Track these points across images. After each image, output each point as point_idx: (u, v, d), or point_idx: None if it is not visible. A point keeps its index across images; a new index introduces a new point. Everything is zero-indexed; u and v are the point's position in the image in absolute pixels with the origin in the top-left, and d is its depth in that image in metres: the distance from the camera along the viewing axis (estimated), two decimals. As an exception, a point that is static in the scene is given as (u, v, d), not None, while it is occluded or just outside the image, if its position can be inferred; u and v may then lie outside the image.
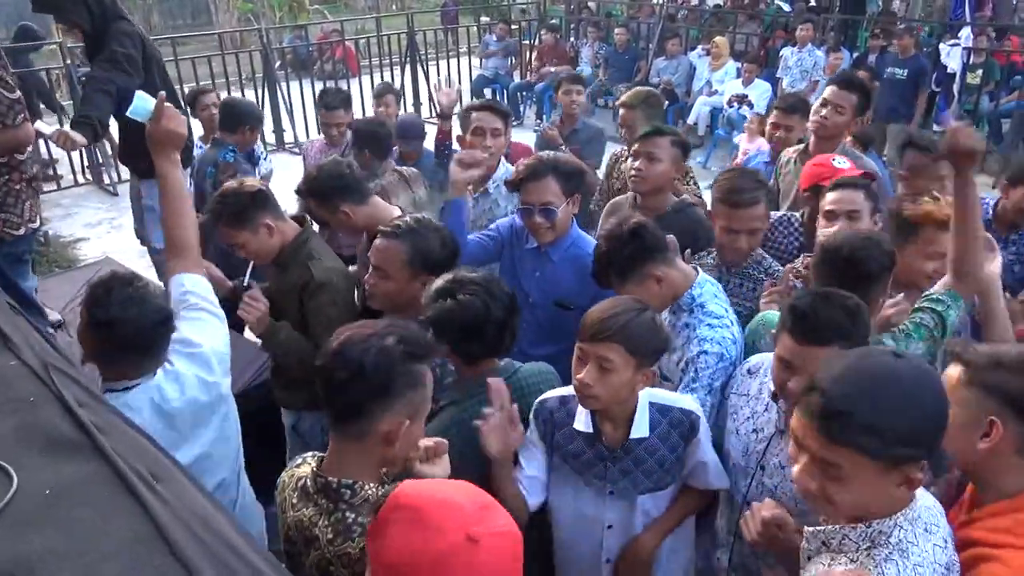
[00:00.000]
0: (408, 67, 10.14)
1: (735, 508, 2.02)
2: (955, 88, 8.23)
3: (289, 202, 3.29)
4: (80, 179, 8.07)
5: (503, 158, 3.42)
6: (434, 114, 9.83)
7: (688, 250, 2.60)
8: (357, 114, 5.47)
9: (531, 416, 2.03)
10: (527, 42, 11.62)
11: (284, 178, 4.90)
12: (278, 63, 10.16)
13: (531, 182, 2.64)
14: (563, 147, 4.16)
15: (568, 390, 1.99)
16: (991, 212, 2.82)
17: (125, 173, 6.12)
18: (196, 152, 4.21)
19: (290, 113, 9.08)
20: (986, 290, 2.15)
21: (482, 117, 3.31)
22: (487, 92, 10.75)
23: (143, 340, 1.85)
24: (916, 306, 2.13)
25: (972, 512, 1.53)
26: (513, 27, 11.83)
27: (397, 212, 2.80)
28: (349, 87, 9.39)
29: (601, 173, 4.06)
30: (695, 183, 3.55)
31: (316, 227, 2.95)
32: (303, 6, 15.44)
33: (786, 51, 8.72)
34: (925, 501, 1.37)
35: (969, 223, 1.99)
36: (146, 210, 3.75)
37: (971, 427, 1.45)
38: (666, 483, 2.00)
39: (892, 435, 1.23)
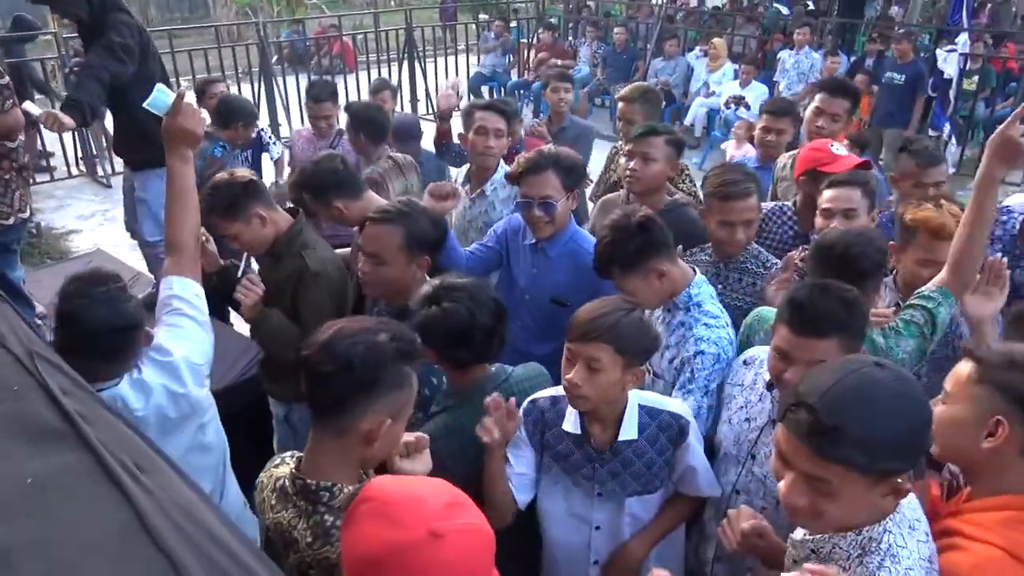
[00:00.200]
0: (406, 64, 10.11)
1: (724, 498, 2.03)
2: (951, 94, 8.26)
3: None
4: (74, 171, 8.02)
5: (501, 160, 3.41)
6: (431, 111, 9.91)
7: (679, 247, 2.60)
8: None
9: (521, 415, 2.02)
10: (525, 40, 11.62)
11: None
12: (275, 57, 10.12)
13: (531, 175, 2.63)
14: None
15: (559, 390, 1.98)
16: (1018, 226, 2.77)
17: (119, 165, 6.08)
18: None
19: (286, 108, 9.04)
20: (978, 327, 2.15)
21: (486, 117, 3.27)
22: (484, 90, 10.75)
23: (99, 343, 1.80)
24: (907, 303, 2.13)
25: (961, 504, 1.53)
26: (511, 25, 11.83)
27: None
28: (346, 83, 9.40)
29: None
30: (691, 180, 3.55)
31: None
32: (301, 1, 15.39)
33: (783, 54, 8.74)
34: (910, 496, 1.36)
35: (979, 218, 1.97)
36: (138, 203, 3.73)
37: (977, 425, 1.44)
38: (654, 487, 2.00)
39: (882, 449, 1.23)
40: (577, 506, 2.02)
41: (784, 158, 3.59)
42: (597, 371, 1.82)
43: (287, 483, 1.54)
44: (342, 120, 4.15)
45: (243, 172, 2.64)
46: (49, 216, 7.05)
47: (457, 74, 10.63)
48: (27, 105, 3.44)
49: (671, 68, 9.57)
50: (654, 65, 9.69)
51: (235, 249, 2.68)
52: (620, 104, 3.77)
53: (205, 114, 3.26)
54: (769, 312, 2.28)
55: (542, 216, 2.64)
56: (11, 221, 3.23)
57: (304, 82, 8.52)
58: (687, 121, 9.15)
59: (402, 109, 10.08)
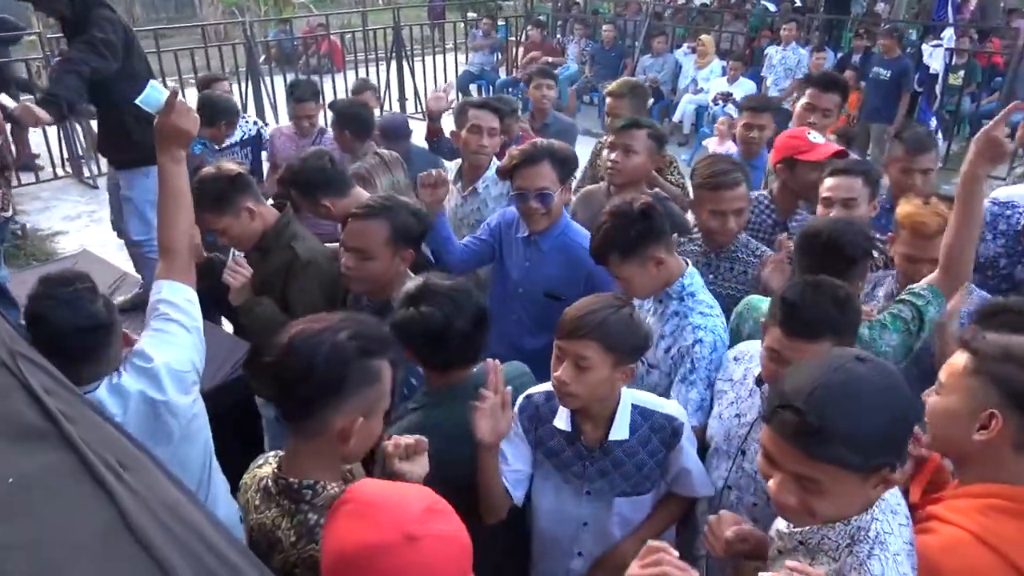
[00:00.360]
0: (394, 63, 10.08)
1: (716, 493, 2.03)
2: (937, 89, 8.31)
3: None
4: (59, 172, 7.96)
5: (494, 158, 3.40)
6: (419, 110, 9.88)
7: (675, 235, 2.62)
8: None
9: (516, 410, 2.01)
10: (513, 39, 11.60)
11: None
12: (262, 57, 10.07)
13: (527, 167, 2.62)
14: None
15: None
16: (1023, 222, 2.77)
17: (105, 166, 6.03)
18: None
19: (274, 107, 9.00)
20: (940, 330, 2.14)
21: (479, 115, 3.26)
22: (473, 88, 10.73)
23: (66, 344, 1.76)
24: (897, 298, 2.13)
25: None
26: (499, 23, 11.81)
27: None
28: (334, 82, 9.37)
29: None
30: (679, 172, 3.57)
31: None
32: (288, 0, 15.32)
33: (771, 50, 8.78)
34: None
35: (966, 217, 1.98)
36: (124, 201, 3.69)
37: (970, 417, 1.43)
38: (645, 488, 1.99)
39: (870, 445, 1.23)
40: (566, 503, 2.02)
41: None
42: (585, 369, 1.81)
43: (270, 483, 1.53)
44: (324, 119, 4.15)
45: (231, 166, 2.62)
46: (35, 217, 7.00)
47: (446, 72, 10.62)
48: (1, 97, 3.38)
49: (659, 65, 9.59)
50: (642, 62, 9.71)
51: (222, 245, 2.65)
52: (608, 99, 3.78)
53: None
54: (759, 300, 2.31)
55: (539, 208, 2.63)
56: (-8, 219, 3.18)
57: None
58: (675, 118, 9.17)
59: (390, 108, 10.07)
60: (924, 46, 8.64)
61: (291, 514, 1.47)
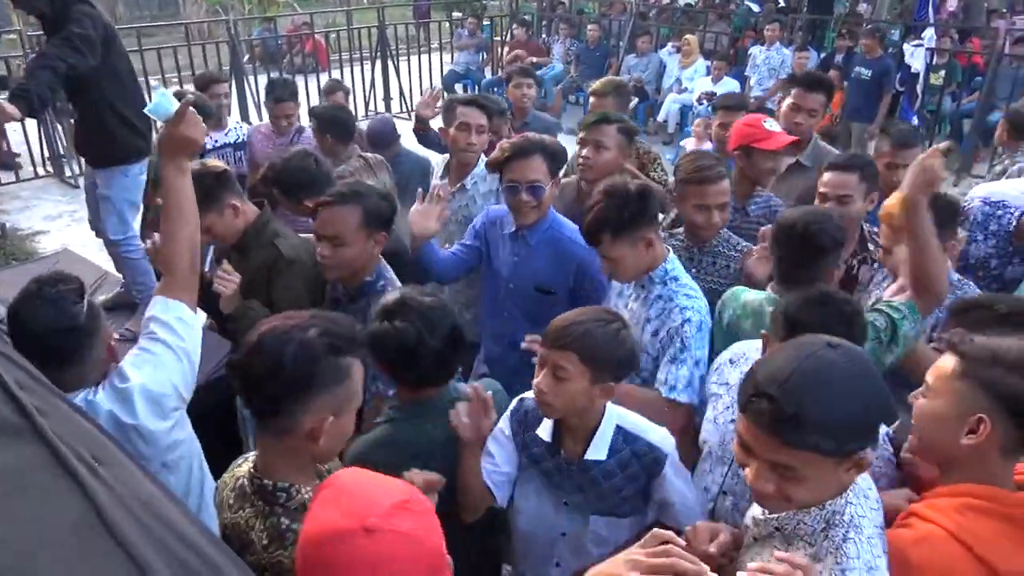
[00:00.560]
0: (379, 62, 10.05)
1: (711, 499, 2.00)
2: (918, 88, 8.39)
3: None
4: (40, 171, 7.88)
5: (482, 154, 3.39)
6: (404, 109, 9.84)
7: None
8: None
9: (508, 412, 2.01)
10: (499, 38, 11.60)
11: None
12: (246, 56, 10.01)
13: (519, 159, 2.61)
14: None
15: None
16: (1014, 223, 2.79)
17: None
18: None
19: (258, 107, 8.95)
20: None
21: (467, 112, 3.25)
22: (458, 87, 10.72)
23: (41, 344, 1.71)
24: (873, 306, 2.13)
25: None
26: (484, 23, 11.81)
27: None
28: (319, 81, 9.31)
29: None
30: (662, 169, 3.59)
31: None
32: (272, -1, 15.26)
33: (754, 49, 8.84)
34: None
35: (919, 242, 1.99)
36: (101, 200, 3.64)
37: (958, 421, 1.42)
38: (623, 512, 1.93)
39: (843, 431, 1.24)
40: (546, 509, 2.00)
41: None
42: (563, 379, 1.77)
43: (246, 482, 1.52)
44: (302, 118, 4.14)
45: (216, 163, 2.61)
46: (15, 217, 6.93)
47: (431, 72, 10.61)
48: None
49: (644, 65, 9.62)
50: (627, 62, 9.74)
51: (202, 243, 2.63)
52: (592, 99, 3.79)
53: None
54: (742, 291, 2.34)
55: (529, 200, 2.62)
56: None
57: (276, 81, 8.48)
58: (660, 117, 9.21)
59: (375, 108, 10.05)
60: (905, 46, 8.72)
61: (264, 516, 1.46)
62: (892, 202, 2.30)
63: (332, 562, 1.05)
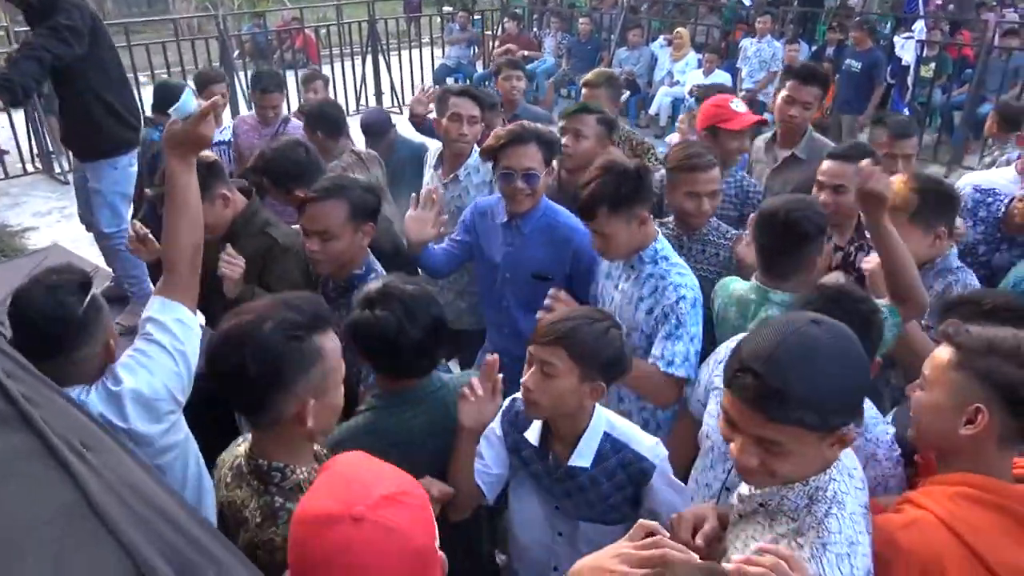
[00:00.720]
0: (369, 57, 10.02)
1: (713, 495, 1.97)
2: (909, 80, 8.41)
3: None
4: (29, 167, 7.83)
5: (475, 145, 3.38)
6: (395, 104, 9.82)
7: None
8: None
9: (500, 412, 1.97)
10: (490, 32, 11.58)
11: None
12: (236, 52, 9.96)
13: (515, 146, 2.60)
14: None
15: None
16: (1003, 208, 2.80)
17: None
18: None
19: (248, 103, 8.92)
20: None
21: (460, 103, 3.24)
22: (449, 82, 10.69)
23: (34, 332, 1.70)
24: None
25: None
26: (476, 17, 11.78)
27: None
28: (309, 76, 9.29)
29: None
30: (656, 159, 3.60)
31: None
32: (262, -6, 15.18)
33: (746, 42, 8.84)
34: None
35: (890, 259, 2.00)
36: (92, 193, 3.63)
37: (955, 411, 1.42)
38: (611, 519, 1.89)
39: (828, 406, 1.24)
40: (539, 512, 1.98)
41: (758, 140, 3.63)
42: (551, 376, 1.74)
43: (243, 462, 1.53)
44: (290, 108, 4.13)
45: (205, 153, 2.60)
46: (4, 214, 6.89)
47: (422, 66, 10.58)
48: None
49: (635, 58, 9.62)
50: (618, 55, 9.74)
51: None
52: (584, 90, 3.78)
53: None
54: (731, 281, 2.37)
55: (524, 188, 2.61)
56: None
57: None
58: (651, 110, 9.21)
59: (366, 103, 10.02)
60: (896, 38, 8.74)
61: (259, 494, 1.47)
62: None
63: (317, 545, 1.05)
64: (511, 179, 2.61)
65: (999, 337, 1.42)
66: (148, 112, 4.42)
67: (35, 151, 7.83)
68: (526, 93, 5.13)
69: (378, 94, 10.16)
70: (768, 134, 3.60)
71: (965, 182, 3.04)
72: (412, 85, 10.25)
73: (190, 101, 1.86)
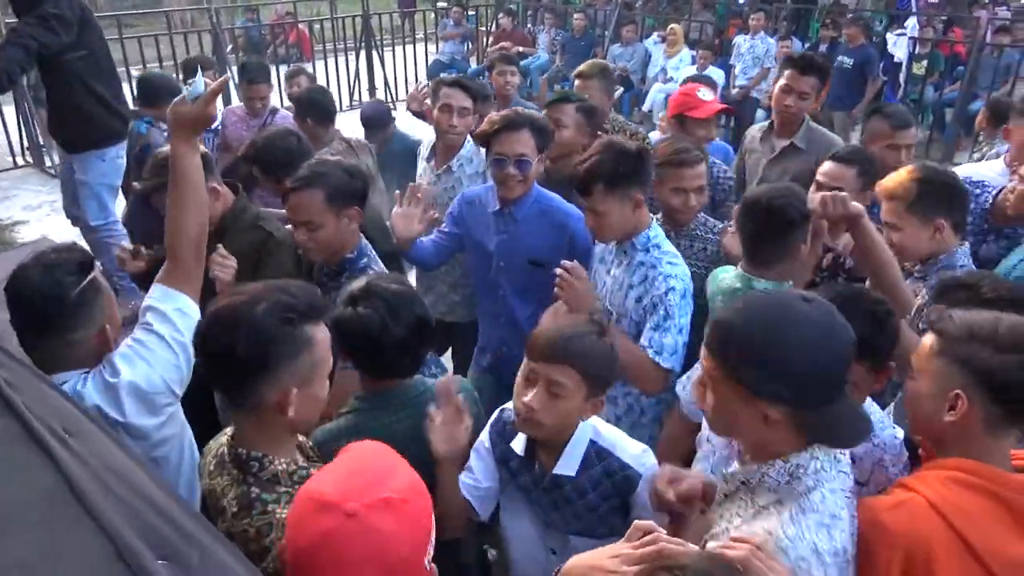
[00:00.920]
0: (363, 52, 9.98)
1: (718, 501, 1.95)
2: (901, 77, 8.44)
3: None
4: (20, 161, 7.79)
5: (469, 136, 3.38)
6: (388, 99, 9.80)
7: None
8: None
9: (489, 423, 1.95)
10: (484, 28, 11.56)
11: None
12: (229, 46, 9.92)
13: (507, 132, 2.59)
14: None
15: None
16: (991, 200, 2.80)
17: (66, 154, 5.91)
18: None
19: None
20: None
21: (451, 94, 3.23)
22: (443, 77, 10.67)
23: (28, 310, 1.67)
24: None
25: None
26: (470, 12, 11.76)
27: None
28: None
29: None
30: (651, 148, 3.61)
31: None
32: (256, -12, 15.11)
33: (739, 38, 8.84)
34: None
35: (870, 259, 2.01)
36: (79, 185, 3.60)
37: (938, 399, 1.42)
38: (600, 532, 1.81)
39: (806, 382, 1.25)
40: (532, 529, 1.93)
41: (753, 130, 3.64)
42: (559, 397, 1.67)
43: (225, 451, 1.52)
44: (281, 100, 4.13)
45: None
46: (-6, 208, 6.86)
47: (416, 62, 10.56)
48: None
49: (629, 54, 9.61)
50: (612, 51, 9.72)
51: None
52: (577, 82, 3.78)
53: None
54: (721, 271, 2.38)
55: (516, 174, 2.60)
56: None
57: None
58: (645, 107, 9.21)
59: (360, 99, 9.99)
60: (888, 35, 8.77)
61: (237, 483, 1.46)
62: (889, 180, 2.34)
63: (308, 528, 1.06)
64: (503, 165, 2.60)
65: (978, 323, 1.42)
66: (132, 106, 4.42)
67: (25, 144, 7.78)
68: (520, 89, 5.12)
69: (372, 90, 10.13)
70: (763, 124, 3.60)
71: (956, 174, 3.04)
72: (406, 81, 10.24)
73: (201, 83, 1.85)
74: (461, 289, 3.20)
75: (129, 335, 1.81)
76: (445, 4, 12.70)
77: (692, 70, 8.66)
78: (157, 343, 1.77)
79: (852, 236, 2.07)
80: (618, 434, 1.86)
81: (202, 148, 2.55)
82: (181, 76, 4.53)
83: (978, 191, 2.81)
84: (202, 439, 1.98)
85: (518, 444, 1.85)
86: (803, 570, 1.23)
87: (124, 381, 1.71)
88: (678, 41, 9.21)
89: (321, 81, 8.40)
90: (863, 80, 7.60)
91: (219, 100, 1.99)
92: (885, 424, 1.78)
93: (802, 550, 1.24)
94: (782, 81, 3.38)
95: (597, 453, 1.78)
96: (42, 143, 7.71)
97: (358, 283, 1.92)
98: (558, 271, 2.23)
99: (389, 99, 9.89)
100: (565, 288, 2.22)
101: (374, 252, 2.48)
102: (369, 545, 1.05)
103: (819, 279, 2.48)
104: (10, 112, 7.58)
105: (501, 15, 11.01)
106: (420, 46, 11.04)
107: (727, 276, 2.31)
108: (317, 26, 11.41)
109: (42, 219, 6.60)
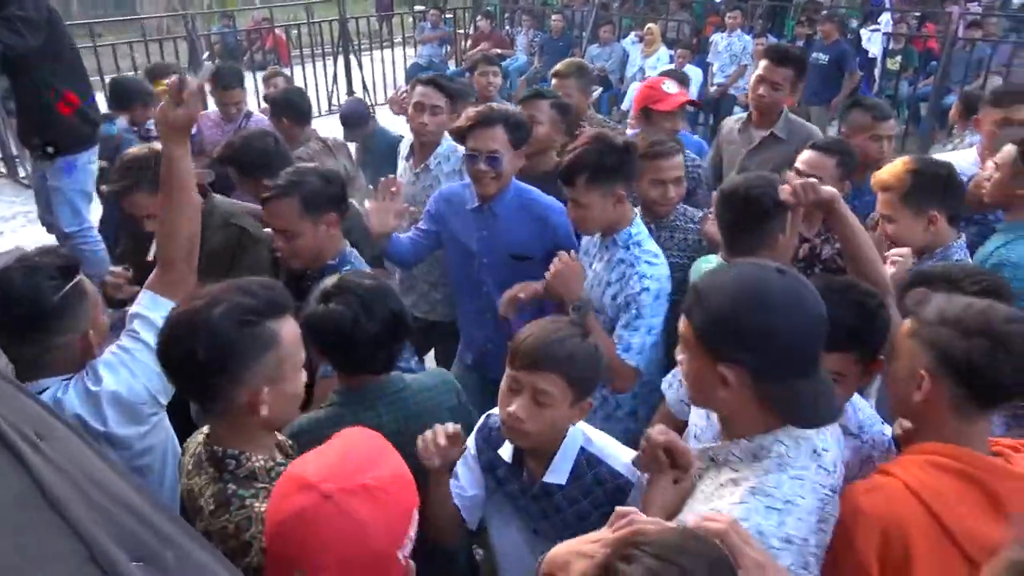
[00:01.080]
0: (341, 57, 9.95)
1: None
2: (876, 73, 8.53)
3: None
4: (-7, 172, 7.69)
5: (447, 134, 3.37)
6: (368, 103, 9.77)
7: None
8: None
9: (475, 430, 1.91)
10: (461, 31, 11.57)
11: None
12: (206, 53, 9.84)
13: (480, 128, 2.58)
14: None
15: None
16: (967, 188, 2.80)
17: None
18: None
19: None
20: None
21: (424, 92, 3.23)
22: (422, 80, 10.65)
23: (5, 311, 1.65)
24: None
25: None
26: (447, 15, 11.75)
27: None
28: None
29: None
30: None
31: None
32: (231, -6, 15.02)
33: (716, 36, 8.91)
34: (823, 427, 1.37)
35: (846, 242, 2.02)
36: (52, 192, 3.55)
37: (908, 380, 1.45)
38: None
39: (771, 353, 1.26)
40: (520, 540, 1.88)
41: (730, 121, 3.67)
42: (545, 405, 1.62)
43: (202, 449, 1.50)
44: (257, 103, 4.12)
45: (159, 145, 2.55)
46: (-33, 219, 6.75)
47: (394, 66, 10.53)
48: None
49: (607, 54, 9.65)
50: (590, 51, 9.75)
51: (146, 231, 2.51)
52: (554, 81, 3.78)
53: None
54: (704, 261, 2.38)
55: (488, 171, 2.59)
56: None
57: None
58: (623, 106, 9.23)
59: (338, 103, 9.94)
60: (862, 31, 8.87)
61: (214, 482, 1.44)
62: (885, 171, 2.36)
63: (286, 504, 1.06)
64: (475, 161, 2.60)
65: (952, 306, 1.44)
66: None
67: (-1, 155, 7.68)
68: (500, 91, 5.15)
69: (350, 94, 10.08)
70: (740, 115, 3.64)
71: None
72: (384, 85, 10.21)
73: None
74: (442, 287, 3.19)
75: (115, 341, 1.79)
76: (423, 7, 12.70)
77: (670, 69, 8.72)
78: (143, 351, 1.74)
79: (828, 222, 2.08)
80: (609, 441, 1.81)
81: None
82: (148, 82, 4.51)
83: None
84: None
85: (506, 451, 1.80)
86: None
87: (106, 390, 1.69)
88: (655, 40, 9.25)
89: (299, 86, 8.39)
90: (839, 75, 7.67)
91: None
92: (874, 421, 1.78)
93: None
94: (758, 72, 3.42)
95: (588, 461, 1.73)
96: (15, 153, 7.60)
97: (331, 279, 1.90)
98: (555, 260, 2.23)
99: (368, 103, 9.85)
100: (556, 275, 2.23)
101: (360, 257, 2.46)
102: (342, 528, 1.04)
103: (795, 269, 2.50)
104: (-18, 122, 7.47)
105: (479, 17, 11.02)
106: (398, 50, 11.01)
107: (709, 266, 2.32)
108: (294, 31, 11.36)
109: (16, 230, 6.50)
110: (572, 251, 2.32)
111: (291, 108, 3.72)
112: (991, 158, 2.68)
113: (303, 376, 1.52)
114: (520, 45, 10.82)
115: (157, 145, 2.53)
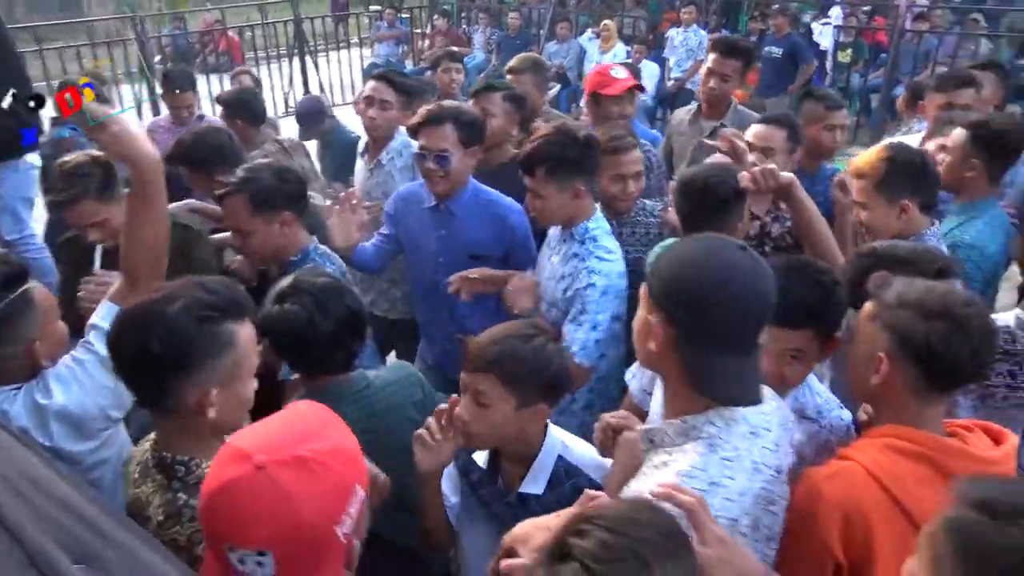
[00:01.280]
0: (297, 58, 9.83)
1: None
2: (828, 65, 8.70)
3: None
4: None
5: (403, 129, 3.34)
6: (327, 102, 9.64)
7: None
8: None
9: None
10: (418, 30, 11.52)
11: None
12: (157, 56, 9.66)
13: (428, 127, 2.56)
14: None
15: None
16: None
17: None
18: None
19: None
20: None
21: (376, 87, 3.21)
22: (380, 81, 10.58)
23: None
24: None
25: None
26: (403, 15, 11.70)
27: None
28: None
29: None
30: None
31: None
32: (182, -4, 14.76)
33: (672, 32, 9.01)
34: (763, 407, 1.33)
35: (801, 224, 2.04)
36: (-8, 198, 3.46)
37: (868, 362, 1.45)
38: None
39: (728, 328, 1.26)
40: (493, 541, 1.77)
41: (680, 112, 3.70)
42: (484, 406, 1.60)
43: (148, 457, 1.46)
44: (212, 108, 4.05)
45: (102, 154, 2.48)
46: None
47: (351, 67, 10.44)
48: None
49: (564, 51, 9.68)
50: (548, 49, 9.78)
51: (91, 241, 2.44)
52: (509, 76, 3.78)
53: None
54: (660, 248, 2.32)
55: (436, 169, 2.57)
56: None
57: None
58: (582, 103, 9.28)
59: (295, 105, 9.83)
60: (814, 24, 9.03)
61: (163, 490, 1.40)
62: (860, 159, 2.39)
63: (219, 474, 1.03)
64: (424, 159, 2.59)
65: (912, 290, 1.45)
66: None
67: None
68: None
69: (307, 95, 9.98)
70: (690, 107, 3.70)
71: None
72: (342, 85, 10.11)
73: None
74: (402, 285, 3.17)
75: (69, 355, 1.73)
76: (378, 7, 12.61)
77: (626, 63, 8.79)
78: (95, 365, 1.69)
79: (787, 205, 2.11)
80: (587, 449, 1.78)
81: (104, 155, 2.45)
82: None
83: None
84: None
85: (481, 456, 1.79)
86: None
87: (55, 405, 1.65)
88: (612, 37, 9.31)
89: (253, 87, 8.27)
90: (793, 68, 7.81)
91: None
92: (832, 405, 1.78)
93: None
94: (707, 64, 3.48)
95: (566, 470, 1.70)
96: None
97: (286, 280, 1.88)
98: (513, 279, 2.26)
99: (327, 103, 9.76)
100: (512, 288, 2.29)
101: (325, 251, 2.42)
102: (272, 500, 1.00)
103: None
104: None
105: (436, 16, 10.98)
106: (355, 50, 10.92)
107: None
108: (248, 33, 11.18)
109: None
110: (527, 272, 2.33)
111: (244, 109, 3.66)
112: (931, 140, 2.75)
113: (254, 383, 1.48)
114: (477, 43, 10.82)
115: (96, 151, 2.46)
